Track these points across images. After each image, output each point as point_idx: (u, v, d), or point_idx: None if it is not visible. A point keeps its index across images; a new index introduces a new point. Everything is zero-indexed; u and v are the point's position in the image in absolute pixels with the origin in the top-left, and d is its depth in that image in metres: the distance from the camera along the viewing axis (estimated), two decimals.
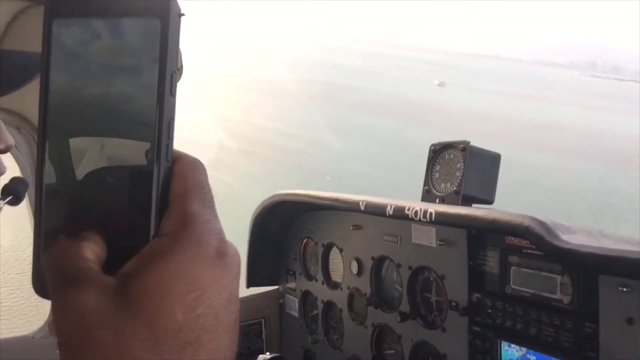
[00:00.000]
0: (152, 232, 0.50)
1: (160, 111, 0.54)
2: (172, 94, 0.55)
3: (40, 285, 0.53)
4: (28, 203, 2.23)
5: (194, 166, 0.52)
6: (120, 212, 0.53)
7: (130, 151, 0.54)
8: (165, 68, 0.54)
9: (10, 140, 0.93)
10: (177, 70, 0.56)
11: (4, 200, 1.09)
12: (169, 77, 0.55)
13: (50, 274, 0.46)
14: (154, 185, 0.53)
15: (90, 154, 0.56)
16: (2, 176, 0.95)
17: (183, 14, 0.56)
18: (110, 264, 0.49)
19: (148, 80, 0.54)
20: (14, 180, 1.15)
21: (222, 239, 0.47)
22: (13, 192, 1.14)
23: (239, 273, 0.50)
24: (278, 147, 17.13)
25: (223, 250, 0.47)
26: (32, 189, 2.02)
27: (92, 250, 0.47)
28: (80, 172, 0.56)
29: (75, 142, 0.56)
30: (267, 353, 1.47)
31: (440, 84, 55.95)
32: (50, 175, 0.56)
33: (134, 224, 0.52)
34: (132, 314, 0.41)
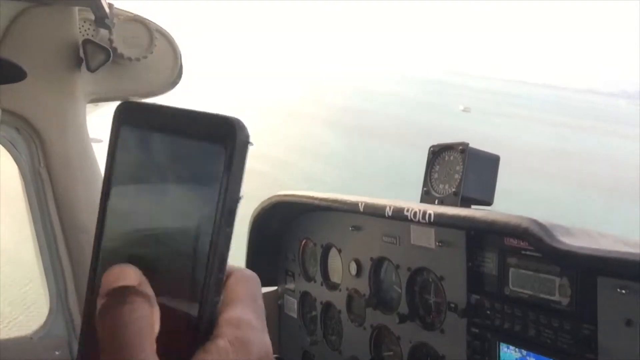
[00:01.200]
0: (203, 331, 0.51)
1: (215, 245, 0.52)
2: (230, 224, 0.53)
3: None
4: (27, 208, 2.23)
5: (248, 279, 0.55)
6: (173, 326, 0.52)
7: (180, 277, 0.53)
8: (225, 198, 0.53)
9: None
10: (239, 200, 0.54)
11: None
12: (228, 208, 0.53)
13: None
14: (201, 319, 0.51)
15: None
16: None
17: (251, 144, 0.55)
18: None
19: (206, 207, 0.53)
20: None
21: (268, 352, 0.51)
22: None
23: None
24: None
25: None
26: None
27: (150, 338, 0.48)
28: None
29: (129, 248, 0.55)
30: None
31: (465, 110, 55.09)
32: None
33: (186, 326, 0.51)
34: None
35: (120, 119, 0.58)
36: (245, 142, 0.54)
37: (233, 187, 0.53)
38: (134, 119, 0.58)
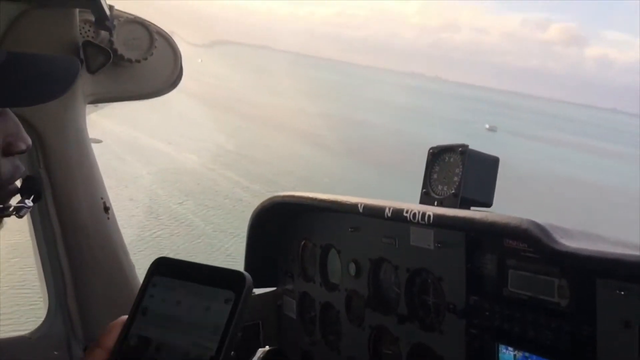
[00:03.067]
0: None
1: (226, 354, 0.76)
2: (232, 348, 0.76)
3: None
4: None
5: None
6: None
7: None
8: (227, 333, 0.76)
9: (29, 140, 0.97)
10: (238, 335, 0.77)
11: (29, 199, 1.09)
12: (229, 342, 0.75)
13: None
14: None
15: None
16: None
17: (254, 293, 0.83)
18: None
19: (216, 333, 0.76)
20: (28, 179, 1.15)
21: None
22: (33, 191, 1.15)
23: None
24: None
25: None
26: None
27: None
28: None
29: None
30: (267, 347, 1.52)
31: (491, 129, 53.60)
32: None
33: None
34: None
35: (155, 271, 0.85)
36: (250, 288, 0.79)
37: (237, 324, 0.76)
38: (164, 271, 0.85)
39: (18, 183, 1.12)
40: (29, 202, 1.11)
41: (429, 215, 1.74)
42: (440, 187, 2.00)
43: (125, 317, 0.87)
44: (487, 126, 55.01)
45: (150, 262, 0.87)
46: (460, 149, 1.95)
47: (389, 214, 1.88)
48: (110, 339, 0.87)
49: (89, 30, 2.16)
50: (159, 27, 2.27)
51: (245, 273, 0.79)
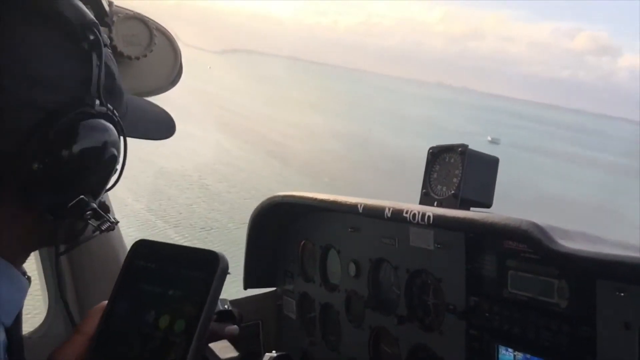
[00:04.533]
0: None
1: (202, 328, 0.78)
2: (207, 325, 0.79)
3: None
4: None
5: None
6: None
7: None
8: (209, 307, 0.79)
9: None
10: (213, 318, 0.82)
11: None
12: (205, 321, 0.78)
13: None
14: None
15: None
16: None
17: (229, 273, 0.82)
18: None
19: (194, 309, 0.79)
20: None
21: None
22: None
23: None
24: None
25: None
26: None
27: None
28: None
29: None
30: (274, 352, 1.51)
31: (493, 141, 51.41)
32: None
33: None
34: None
35: (135, 256, 0.89)
36: (225, 271, 0.81)
37: (211, 303, 0.79)
38: (143, 255, 0.88)
39: None
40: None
41: (429, 216, 1.74)
42: (440, 187, 2.00)
43: (105, 302, 0.89)
44: (489, 138, 53.20)
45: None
46: (460, 149, 1.95)
47: (389, 215, 1.88)
48: (89, 324, 0.87)
49: None
50: (158, 24, 2.26)
51: (220, 253, 0.82)
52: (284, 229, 2.64)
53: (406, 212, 1.81)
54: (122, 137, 0.94)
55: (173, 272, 0.83)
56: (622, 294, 1.35)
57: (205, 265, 0.81)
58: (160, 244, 0.89)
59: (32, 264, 2.36)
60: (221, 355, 0.97)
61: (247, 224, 2.62)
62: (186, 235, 12.27)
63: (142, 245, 0.89)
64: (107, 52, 0.91)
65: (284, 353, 1.69)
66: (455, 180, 1.93)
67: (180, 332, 0.78)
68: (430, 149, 2.07)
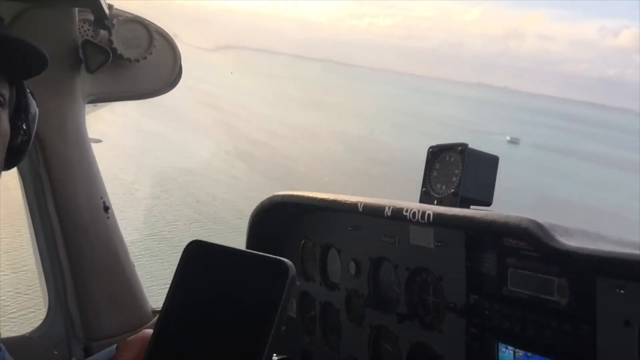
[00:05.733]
0: None
1: (275, 334, 0.73)
2: (279, 336, 0.74)
3: None
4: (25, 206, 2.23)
5: None
6: None
7: None
8: (280, 318, 0.74)
9: None
10: (283, 328, 0.75)
11: None
12: (278, 325, 0.74)
13: None
14: None
15: None
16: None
17: (298, 284, 0.88)
18: None
19: (262, 321, 0.73)
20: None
21: None
22: None
23: None
24: None
25: None
26: None
27: None
28: None
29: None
30: (275, 355, 1.48)
31: (513, 141, 49.48)
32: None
33: None
34: None
35: (189, 256, 0.80)
36: (294, 281, 0.76)
37: (284, 311, 0.73)
38: (199, 254, 0.80)
39: None
40: None
41: (429, 214, 1.74)
42: (439, 185, 2.00)
43: (147, 331, 0.85)
44: (508, 138, 51.28)
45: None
46: (459, 147, 1.95)
47: (389, 213, 1.88)
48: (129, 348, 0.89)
49: (88, 30, 2.16)
50: (158, 26, 2.27)
51: (288, 261, 0.77)
52: (284, 228, 2.64)
53: (406, 211, 1.81)
54: None
55: (235, 277, 0.77)
56: (622, 291, 1.35)
57: (273, 273, 0.76)
58: (215, 246, 0.82)
59: (32, 264, 2.36)
60: None
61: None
62: None
63: (198, 247, 0.81)
64: None
65: (285, 357, 1.68)
66: (455, 178, 1.93)
67: (242, 342, 0.74)
68: (430, 147, 2.07)
